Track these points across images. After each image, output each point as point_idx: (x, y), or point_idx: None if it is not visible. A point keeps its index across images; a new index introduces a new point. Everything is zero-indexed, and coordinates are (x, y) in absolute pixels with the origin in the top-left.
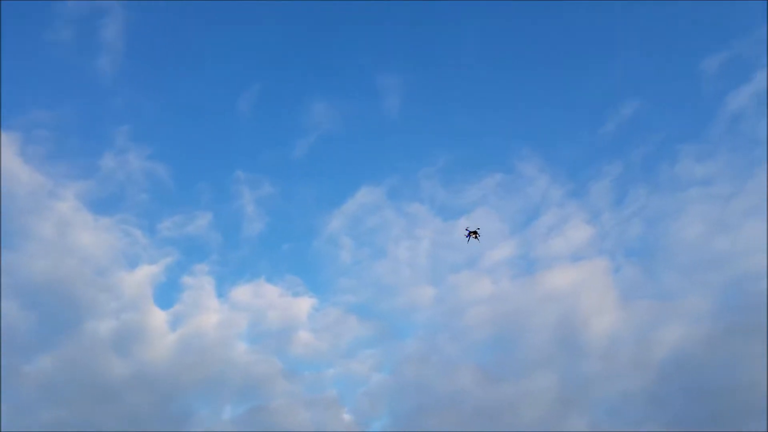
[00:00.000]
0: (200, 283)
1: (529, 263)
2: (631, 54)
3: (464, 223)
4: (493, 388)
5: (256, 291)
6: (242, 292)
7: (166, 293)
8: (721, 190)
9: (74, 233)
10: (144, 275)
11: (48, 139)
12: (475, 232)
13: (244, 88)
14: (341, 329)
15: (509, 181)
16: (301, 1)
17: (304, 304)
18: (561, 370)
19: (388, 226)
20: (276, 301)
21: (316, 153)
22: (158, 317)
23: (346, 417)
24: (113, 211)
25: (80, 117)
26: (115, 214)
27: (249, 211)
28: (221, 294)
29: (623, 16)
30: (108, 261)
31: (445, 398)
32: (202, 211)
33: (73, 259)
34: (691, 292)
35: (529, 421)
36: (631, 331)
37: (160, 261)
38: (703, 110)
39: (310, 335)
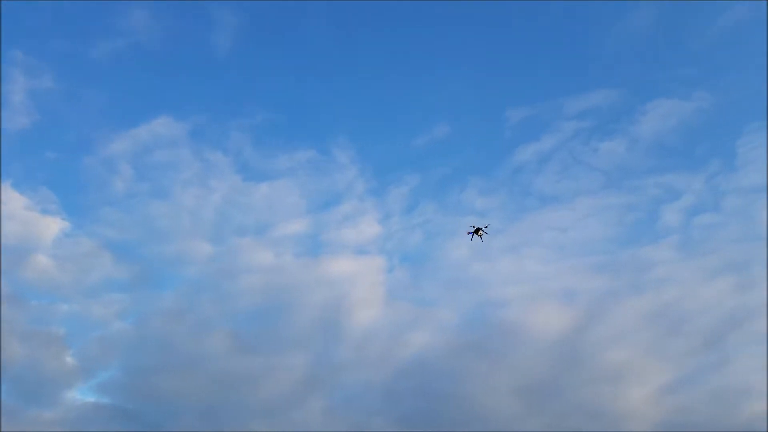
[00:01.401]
0: None
1: (316, 245)
2: (458, 83)
3: (469, 221)
4: (243, 358)
5: None
6: None
7: None
8: (491, 225)
9: None
10: None
11: None
12: (479, 230)
13: None
14: (90, 264)
15: (320, 162)
16: None
17: (53, 224)
18: (315, 353)
19: (180, 166)
20: (19, 212)
21: (120, 60)
22: None
23: (69, 360)
24: None
25: None
26: None
27: (15, 101)
28: None
29: (463, 49)
30: None
31: (190, 360)
32: None
33: None
34: (445, 304)
35: (270, 396)
36: (387, 328)
37: None
38: (498, 153)
39: (50, 261)
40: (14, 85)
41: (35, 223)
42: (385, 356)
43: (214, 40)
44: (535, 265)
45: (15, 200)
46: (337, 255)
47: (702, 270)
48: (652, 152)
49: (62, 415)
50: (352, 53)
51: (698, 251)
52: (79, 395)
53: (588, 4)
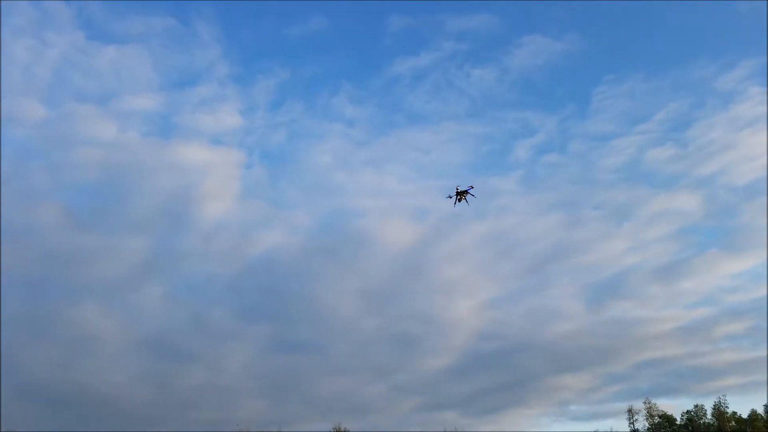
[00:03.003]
0: None
1: (168, 126)
2: None
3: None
4: (77, 235)
5: None
6: None
7: None
8: (358, 136)
9: None
10: None
11: None
12: (464, 193)
13: None
14: None
15: (180, 34)
16: None
17: None
18: (158, 238)
19: (11, 11)
20: None
21: None
22: None
23: None
24: None
25: None
26: None
27: None
28: None
29: None
30: None
31: (15, 231)
32: None
33: None
34: (302, 207)
35: (105, 277)
36: (239, 224)
37: None
38: (375, 60)
39: None
40: None
41: None
42: (233, 251)
43: None
44: (395, 181)
45: None
46: (190, 141)
47: (538, 204)
48: (517, 86)
49: None
50: None
51: (538, 187)
52: None
53: None
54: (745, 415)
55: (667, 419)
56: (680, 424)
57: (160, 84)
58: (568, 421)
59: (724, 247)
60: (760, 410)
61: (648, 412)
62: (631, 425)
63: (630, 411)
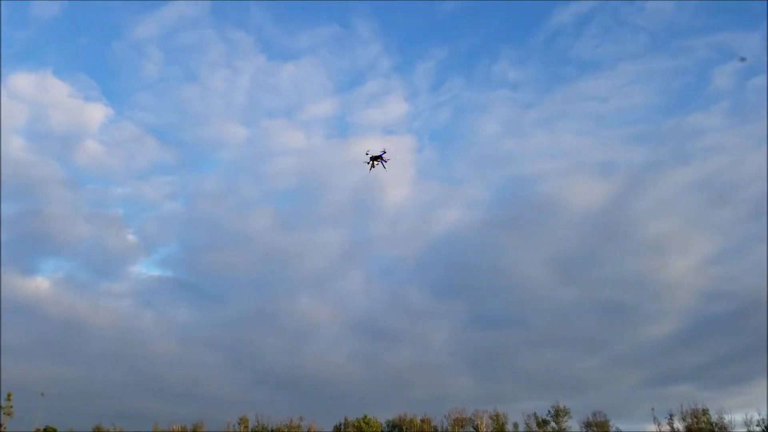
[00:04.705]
0: None
1: (344, 126)
2: None
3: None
4: (285, 235)
5: (41, 84)
6: (24, 81)
7: None
8: (524, 97)
9: None
10: None
11: None
12: (378, 158)
13: None
14: (137, 148)
15: (343, 37)
16: None
17: (97, 111)
18: (350, 229)
19: (205, 48)
20: (64, 100)
21: None
22: None
23: (131, 238)
24: None
25: None
26: None
27: None
28: None
29: None
30: None
31: (237, 238)
32: None
33: None
34: (475, 182)
35: (313, 268)
36: (418, 206)
37: None
38: (532, 14)
39: (99, 147)
40: None
41: (81, 110)
42: (416, 232)
43: None
44: (571, 138)
45: (58, 88)
46: (365, 136)
47: (754, 137)
48: (703, 9)
49: (131, 287)
50: None
51: (751, 117)
52: (144, 269)
53: None
54: None
55: None
56: None
57: (334, 89)
58: None
59: None
60: None
61: None
62: None
63: None
